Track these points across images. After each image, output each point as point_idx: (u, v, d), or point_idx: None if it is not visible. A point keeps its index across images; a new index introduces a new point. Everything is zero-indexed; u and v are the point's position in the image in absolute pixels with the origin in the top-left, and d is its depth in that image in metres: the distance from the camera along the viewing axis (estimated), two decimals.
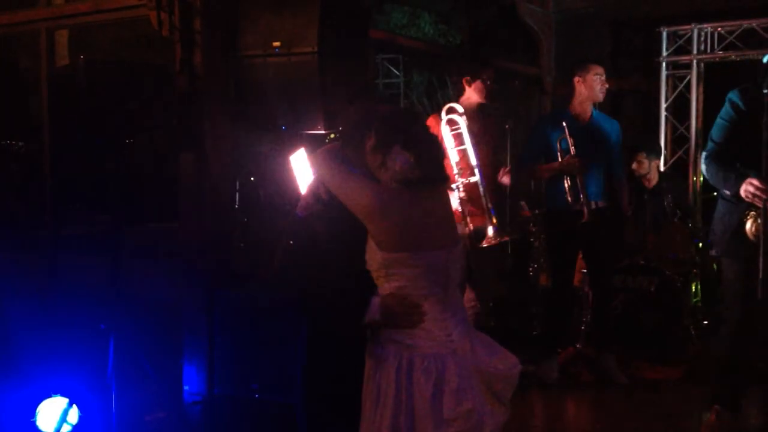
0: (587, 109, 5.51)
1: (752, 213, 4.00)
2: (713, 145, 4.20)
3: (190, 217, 4.68)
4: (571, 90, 5.53)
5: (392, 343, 2.70)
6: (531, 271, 6.96)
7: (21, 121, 6.11)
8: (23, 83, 6.11)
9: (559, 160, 5.35)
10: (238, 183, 4.98)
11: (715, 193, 4.39)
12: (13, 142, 6.38)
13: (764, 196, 3.87)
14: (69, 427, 4.08)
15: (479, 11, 8.91)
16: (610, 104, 5.67)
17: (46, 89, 5.60)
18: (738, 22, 7.23)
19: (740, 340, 4.22)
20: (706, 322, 6.47)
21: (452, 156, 5.07)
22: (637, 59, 8.40)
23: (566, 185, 5.34)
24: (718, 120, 4.22)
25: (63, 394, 4.08)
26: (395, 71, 9.19)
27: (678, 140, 7.73)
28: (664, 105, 7.67)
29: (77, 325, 4.68)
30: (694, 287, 6.63)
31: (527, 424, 5.06)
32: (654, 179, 6.78)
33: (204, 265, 4.55)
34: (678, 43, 7.58)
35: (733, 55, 7.31)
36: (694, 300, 6.61)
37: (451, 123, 5.08)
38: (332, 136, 4.62)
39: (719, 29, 7.38)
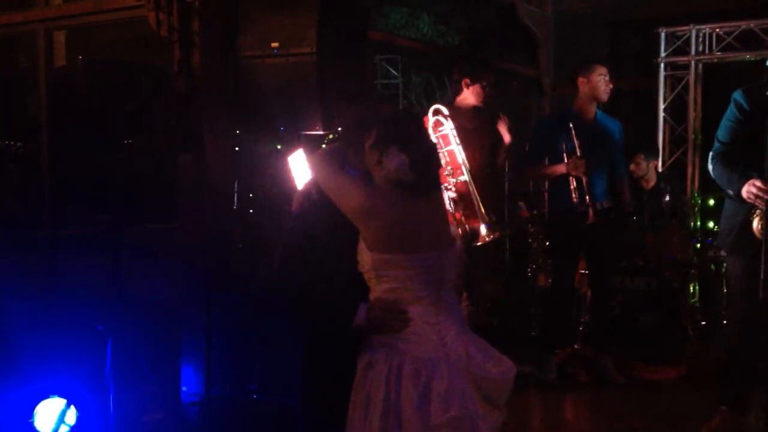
0: (591, 110, 5.50)
1: (758, 211, 4.01)
2: (719, 145, 4.21)
3: (188, 218, 4.68)
4: (575, 91, 5.51)
5: (383, 347, 2.69)
6: (529, 272, 6.96)
7: (19, 121, 6.10)
8: (22, 83, 6.11)
9: (565, 160, 5.33)
10: (236, 183, 4.98)
11: (724, 193, 4.38)
12: (12, 143, 6.37)
13: (765, 197, 3.87)
14: (67, 428, 4.07)
15: (478, 12, 8.91)
16: (608, 105, 5.66)
17: (45, 89, 5.60)
18: (736, 23, 7.24)
19: (745, 340, 4.22)
20: (704, 323, 6.47)
21: (441, 157, 5.08)
22: (636, 60, 8.41)
23: (572, 186, 5.32)
24: (724, 120, 4.23)
25: (61, 395, 4.08)
26: (394, 72, 9.18)
27: (676, 141, 7.74)
28: (662, 106, 7.67)
29: (75, 326, 4.67)
30: (692, 288, 6.63)
31: (525, 425, 5.06)
32: (652, 180, 6.79)
33: (202, 266, 4.55)
34: (676, 44, 7.59)
35: (731, 56, 7.32)
36: (692, 300, 6.62)
37: (437, 124, 5.09)
38: (331, 136, 4.62)
39: (717, 30, 7.39)
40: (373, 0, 7.57)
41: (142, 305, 4.72)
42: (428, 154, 2.75)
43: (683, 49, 7.55)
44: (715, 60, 7.44)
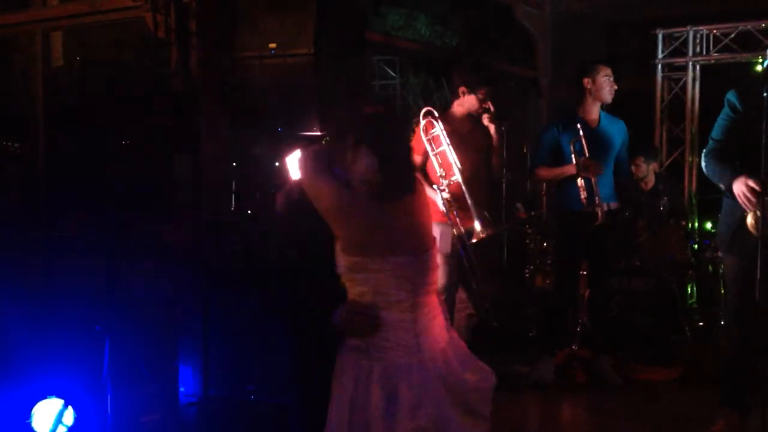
0: (595, 111, 5.48)
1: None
2: (713, 142, 4.22)
3: (185, 218, 4.68)
4: (580, 92, 5.49)
5: (354, 350, 2.66)
6: (527, 273, 6.97)
7: (16, 122, 6.10)
8: (19, 84, 6.10)
9: (574, 162, 5.32)
10: (234, 184, 4.98)
11: (723, 192, 4.39)
12: (8, 143, 6.37)
13: (753, 200, 3.88)
14: (64, 429, 4.07)
15: (476, 13, 8.90)
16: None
17: (42, 90, 5.60)
18: (733, 25, 7.24)
19: (744, 340, 4.22)
20: (701, 324, 6.47)
21: (433, 159, 5.09)
22: (633, 61, 8.40)
23: (580, 187, 5.31)
24: (718, 120, 4.24)
25: (58, 396, 4.07)
26: (391, 73, 9.19)
27: (674, 142, 7.74)
28: (659, 107, 7.68)
29: (73, 327, 4.67)
30: (689, 289, 6.64)
31: (522, 425, 5.06)
32: (651, 182, 6.80)
33: (199, 267, 4.55)
34: (674, 45, 7.60)
35: (728, 57, 7.33)
36: (690, 301, 6.63)
37: (429, 126, 5.10)
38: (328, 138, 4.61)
39: (715, 31, 7.40)
40: (370, 1, 7.56)
41: (139, 306, 4.72)
42: (397, 157, 2.72)
43: (680, 51, 7.55)
44: (713, 61, 7.45)
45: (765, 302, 3.76)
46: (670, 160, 7.68)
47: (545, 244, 6.87)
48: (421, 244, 2.73)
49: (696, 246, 6.77)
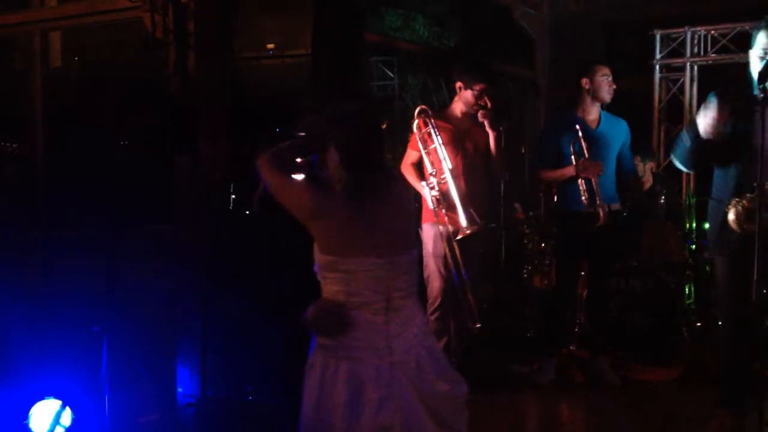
0: (595, 111, 5.48)
1: (733, 201, 4.03)
2: (685, 135, 4.27)
3: (184, 219, 4.69)
4: (578, 92, 5.48)
5: (322, 349, 2.66)
6: (525, 273, 6.97)
7: (15, 122, 6.10)
8: (17, 84, 6.10)
9: (574, 163, 5.32)
10: (232, 185, 4.98)
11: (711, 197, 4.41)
12: (7, 144, 6.37)
13: (721, 122, 3.95)
14: (62, 430, 4.07)
15: (474, 14, 8.91)
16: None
17: (40, 91, 5.60)
18: (731, 25, 7.25)
19: (737, 341, 4.22)
20: (699, 324, 6.48)
21: (425, 158, 5.12)
22: (631, 62, 8.40)
23: (581, 188, 5.31)
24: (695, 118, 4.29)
25: (56, 396, 4.07)
26: (390, 73, 9.19)
27: (671, 142, 7.72)
28: (657, 107, 7.69)
29: (70, 327, 4.67)
30: (687, 289, 6.64)
31: (520, 426, 5.07)
32: (648, 182, 6.81)
33: (198, 268, 4.55)
34: (671, 46, 7.60)
35: (726, 58, 7.33)
36: (688, 302, 6.63)
37: (421, 125, 5.11)
38: None
39: (712, 32, 7.40)
40: (368, 2, 7.56)
41: (137, 306, 4.72)
42: (361, 150, 2.69)
43: (678, 51, 7.56)
44: (710, 62, 7.46)
45: (761, 302, 3.77)
46: (667, 161, 7.68)
47: (543, 245, 6.87)
48: (398, 246, 2.70)
49: (694, 246, 6.78)
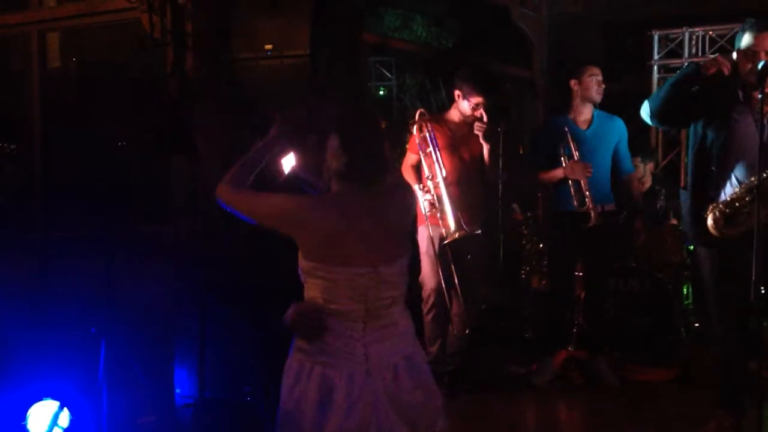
0: (587, 112, 5.49)
1: (711, 206, 4.04)
2: None
3: (181, 220, 4.68)
4: (568, 94, 5.51)
5: (299, 351, 2.63)
6: (523, 274, 6.97)
7: (12, 123, 6.09)
8: (15, 85, 6.10)
9: (563, 165, 5.34)
10: None
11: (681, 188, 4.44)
12: (5, 144, 6.36)
13: (728, 63, 3.97)
14: (60, 431, 4.06)
15: (472, 15, 8.92)
16: (601, 107, 5.65)
17: (38, 91, 5.59)
18: (729, 26, 7.26)
19: (731, 339, 4.22)
20: (697, 325, 6.48)
21: (423, 160, 5.14)
22: (629, 62, 8.43)
23: (571, 190, 5.32)
24: None
25: (54, 398, 4.07)
26: (388, 74, 9.19)
27: (670, 143, 7.76)
28: None
29: (68, 328, 4.66)
30: (685, 289, 6.64)
31: (519, 426, 5.06)
32: (647, 182, 6.81)
33: (195, 268, 4.55)
34: (669, 47, 7.61)
35: None
36: (686, 302, 6.62)
37: (419, 128, 5.14)
38: None
39: (710, 33, 7.42)
40: (366, 2, 7.56)
41: (135, 308, 4.71)
42: (362, 137, 2.64)
43: (676, 52, 7.57)
44: None
45: (758, 302, 3.77)
46: (666, 161, 7.69)
47: (541, 246, 6.87)
48: (387, 256, 2.64)
49: (692, 247, 6.77)
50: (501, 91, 8.58)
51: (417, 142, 5.17)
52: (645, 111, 4.31)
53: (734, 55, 4.12)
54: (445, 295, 5.18)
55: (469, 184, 5.19)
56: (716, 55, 4.15)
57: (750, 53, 4.03)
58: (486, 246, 5.51)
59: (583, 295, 6.00)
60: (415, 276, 5.18)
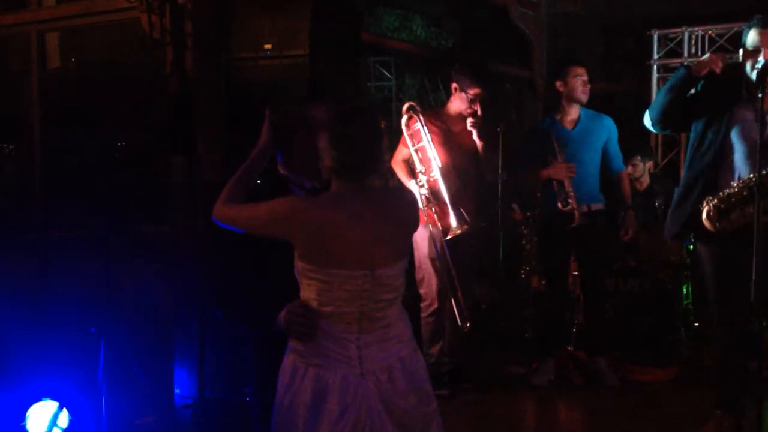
0: (573, 112, 5.50)
1: (707, 199, 4.04)
2: None
3: (181, 220, 4.68)
4: (555, 95, 5.53)
5: (294, 352, 2.61)
6: (523, 273, 6.96)
7: (12, 123, 6.09)
8: (14, 85, 6.10)
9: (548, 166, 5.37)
10: None
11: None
12: (4, 145, 6.37)
13: (720, 60, 3.98)
14: (59, 431, 4.06)
15: (471, 14, 8.91)
16: (601, 107, 5.65)
17: (37, 91, 5.59)
18: (729, 25, 7.26)
19: (731, 339, 4.21)
20: (697, 324, 6.48)
21: (414, 154, 5.10)
22: (629, 62, 8.42)
23: (556, 190, 5.35)
24: None
25: (53, 398, 4.07)
26: (387, 74, 9.18)
27: (669, 143, 7.75)
28: None
29: (68, 328, 4.66)
30: (685, 289, 6.64)
31: (518, 426, 5.06)
32: (646, 182, 6.81)
33: (195, 268, 4.54)
34: (669, 46, 7.61)
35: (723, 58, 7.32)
36: (686, 302, 6.62)
37: (410, 121, 5.10)
38: None
39: (710, 32, 7.41)
40: (365, 2, 7.55)
41: (134, 308, 4.71)
42: (352, 133, 2.59)
43: (676, 51, 7.57)
44: None
45: (758, 302, 3.76)
46: (665, 161, 7.69)
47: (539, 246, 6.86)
48: (384, 258, 2.60)
49: (691, 246, 6.77)
50: (500, 90, 8.56)
51: (408, 134, 5.11)
52: (647, 120, 4.34)
53: (741, 51, 4.11)
54: (448, 296, 5.18)
55: (467, 179, 5.17)
56: (707, 54, 4.13)
57: (755, 50, 4.01)
58: (482, 242, 5.50)
59: (582, 295, 6.00)
60: (410, 276, 5.16)
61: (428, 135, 5.02)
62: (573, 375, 5.65)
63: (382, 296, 2.61)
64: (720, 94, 4.12)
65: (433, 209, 5.04)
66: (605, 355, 5.64)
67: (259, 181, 2.89)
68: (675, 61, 7.56)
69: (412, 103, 5.18)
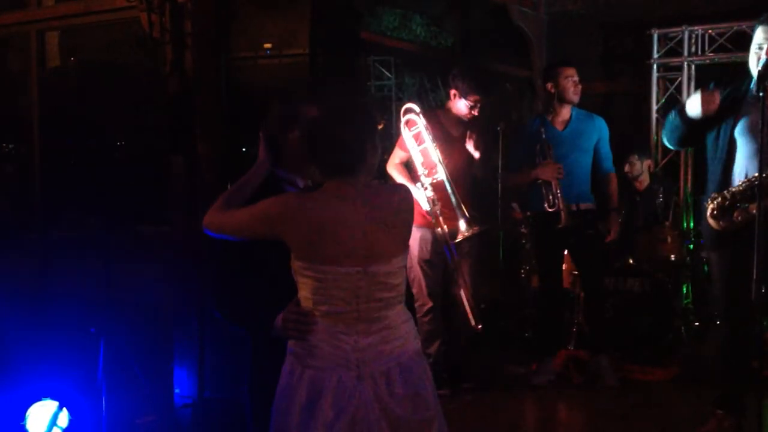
0: (564, 113, 5.49)
1: (712, 196, 4.04)
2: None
3: (180, 220, 4.67)
4: (547, 95, 5.54)
5: (291, 354, 2.59)
6: (522, 273, 6.96)
7: (11, 122, 6.09)
8: (14, 85, 6.10)
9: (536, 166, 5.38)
10: (229, 185, 4.96)
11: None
12: (4, 144, 6.36)
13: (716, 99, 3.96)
14: (59, 431, 4.06)
15: (471, 14, 8.91)
16: (601, 106, 5.66)
17: (37, 91, 5.59)
18: (728, 24, 7.25)
19: (736, 342, 4.21)
20: (697, 324, 6.48)
21: (415, 157, 5.05)
22: (628, 61, 8.41)
23: (543, 190, 5.35)
24: None
25: (53, 398, 4.07)
26: (387, 73, 9.18)
27: None
28: (654, 107, 7.68)
29: (68, 328, 4.66)
30: (685, 288, 6.64)
31: (518, 426, 5.06)
32: (645, 181, 6.80)
33: (195, 268, 4.54)
34: (669, 46, 7.60)
35: (723, 57, 7.33)
36: (685, 301, 6.62)
37: (410, 123, 5.06)
38: None
39: (710, 31, 7.40)
40: (365, 1, 7.55)
41: (134, 308, 4.71)
42: (326, 128, 2.56)
43: (676, 51, 7.56)
44: (708, 61, 7.45)
45: (759, 301, 3.75)
46: (665, 160, 7.68)
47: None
48: (379, 256, 2.56)
49: (691, 246, 6.77)
50: (500, 90, 8.56)
51: (409, 136, 5.04)
52: (665, 142, 4.43)
53: (750, 49, 4.10)
54: (441, 296, 5.17)
55: (465, 183, 5.16)
56: (698, 91, 4.11)
57: (759, 48, 4.00)
58: (481, 243, 5.48)
59: (582, 294, 6.00)
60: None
61: (431, 136, 4.98)
62: (573, 375, 5.65)
63: (379, 295, 2.56)
64: (727, 99, 4.10)
65: (438, 211, 4.99)
66: (605, 355, 5.64)
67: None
68: (675, 60, 7.56)
69: (409, 105, 5.11)
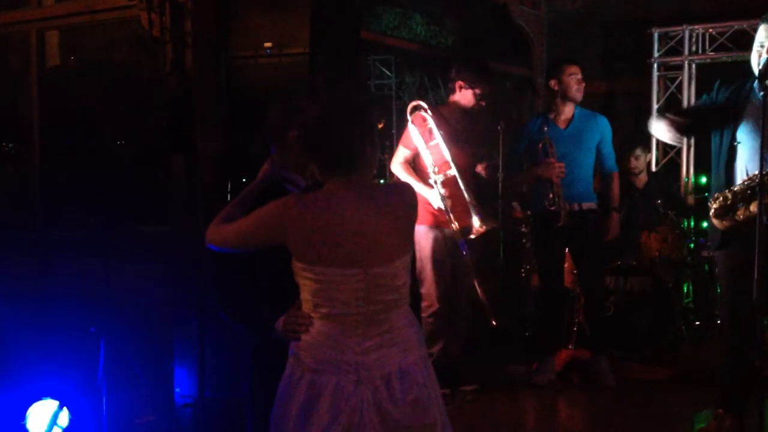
0: (567, 111, 5.49)
1: (716, 195, 4.04)
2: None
3: (181, 220, 4.67)
4: (550, 94, 5.53)
5: (292, 356, 2.58)
6: (523, 272, 6.96)
7: (11, 122, 6.09)
8: (13, 84, 6.09)
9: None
10: (229, 185, 4.96)
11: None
12: (4, 144, 6.36)
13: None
14: (59, 430, 4.06)
15: (471, 12, 8.90)
16: (601, 105, 5.66)
17: (37, 90, 5.58)
18: (729, 23, 7.25)
19: (739, 342, 4.21)
20: (697, 323, 6.47)
21: (425, 154, 5.02)
22: (629, 60, 8.41)
23: (544, 189, 5.35)
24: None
25: (53, 397, 4.07)
26: (387, 72, 9.17)
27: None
28: (655, 106, 7.68)
29: (68, 328, 4.66)
30: (685, 288, 6.63)
31: (519, 426, 5.06)
32: (644, 178, 6.81)
33: (195, 268, 4.53)
34: (669, 45, 7.60)
35: (724, 56, 7.33)
36: (686, 301, 6.62)
37: (418, 120, 5.03)
38: None
39: (710, 30, 7.40)
40: (365, 0, 7.54)
41: (134, 307, 4.71)
42: (322, 126, 2.55)
43: (676, 50, 7.55)
44: (708, 60, 7.45)
45: (761, 300, 3.75)
46: (666, 159, 7.68)
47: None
48: (380, 257, 2.53)
49: (692, 245, 6.77)
50: (500, 89, 8.56)
51: (418, 133, 5.00)
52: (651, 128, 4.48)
53: (753, 47, 4.09)
54: (460, 298, 5.17)
55: (468, 178, 5.14)
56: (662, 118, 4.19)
57: (761, 45, 3.99)
58: (486, 238, 5.48)
59: (582, 294, 6.00)
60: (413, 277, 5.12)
61: (440, 133, 4.96)
62: (573, 374, 5.65)
63: (381, 297, 2.53)
64: (730, 95, 4.10)
65: (448, 210, 4.95)
66: (606, 355, 5.64)
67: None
68: (676, 59, 7.56)
69: (418, 102, 5.08)
